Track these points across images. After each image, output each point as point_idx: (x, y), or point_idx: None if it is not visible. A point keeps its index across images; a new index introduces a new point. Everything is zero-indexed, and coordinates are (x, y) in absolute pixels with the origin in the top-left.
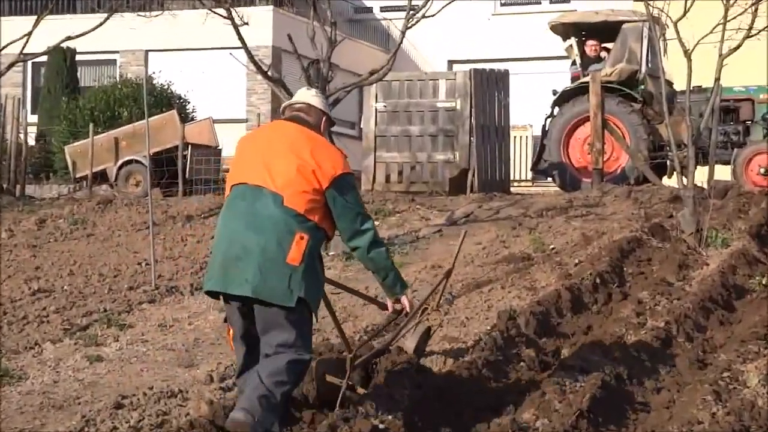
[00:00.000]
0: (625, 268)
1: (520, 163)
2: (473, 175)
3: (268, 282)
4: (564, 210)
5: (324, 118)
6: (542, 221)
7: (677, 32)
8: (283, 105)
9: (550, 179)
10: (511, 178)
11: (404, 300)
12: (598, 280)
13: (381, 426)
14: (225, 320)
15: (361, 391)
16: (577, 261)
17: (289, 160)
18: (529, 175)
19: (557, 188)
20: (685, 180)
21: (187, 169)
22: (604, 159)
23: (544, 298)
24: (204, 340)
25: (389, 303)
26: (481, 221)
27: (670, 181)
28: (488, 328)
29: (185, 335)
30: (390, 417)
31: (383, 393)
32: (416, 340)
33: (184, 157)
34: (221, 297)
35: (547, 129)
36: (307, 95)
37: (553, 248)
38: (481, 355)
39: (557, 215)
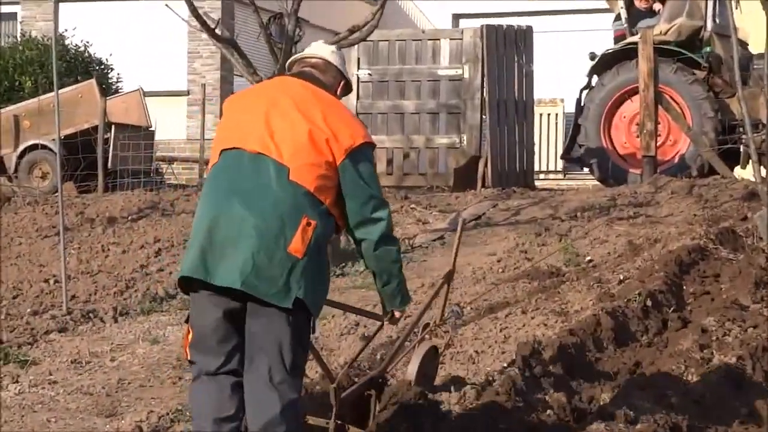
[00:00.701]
0: (684, 287)
1: (548, 148)
2: (485, 165)
3: (261, 274)
4: (605, 210)
5: (342, 83)
6: (576, 225)
7: None
8: (291, 59)
9: (586, 170)
10: (536, 168)
11: (398, 314)
12: (649, 303)
13: None
14: (186, 320)
15: (354, 431)
16: (621, 277)
17: (298, 125)
18: (560, 164)
19: (596, 182)
20: (763, 171)
21: (110, 157)
22: (658, 144)
23: (579, 326)
24: (131, 381)
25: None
26: (495, 225)
27: (744, 173)
28: (504, 365)
29: (106, 375)
30: None
31: None
32: (417, 364)
33: (106, 141)
34: (191, 288)
35: (582, 104)
36: (324, 50)
37: (590, 261)
38: (494, 399)
39: (596, 217)
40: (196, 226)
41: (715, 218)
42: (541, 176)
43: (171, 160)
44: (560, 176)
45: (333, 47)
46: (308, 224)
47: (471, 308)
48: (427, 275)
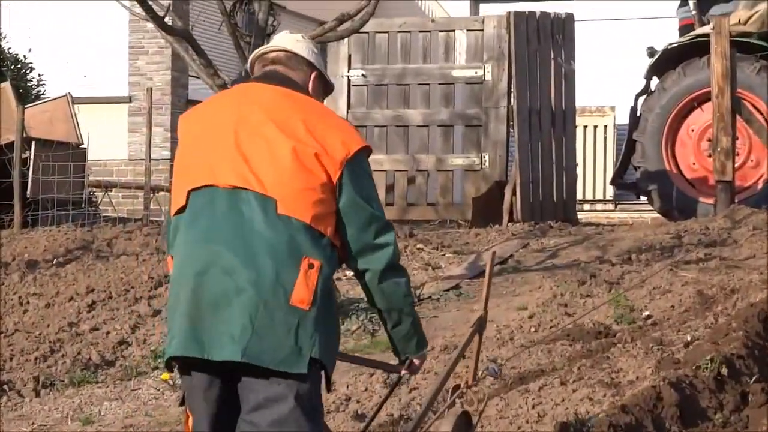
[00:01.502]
0: None
1: (594, 171)
2: (513, 194)
3: (264, 338)
4: (668, 252)
5: (313, 75)
6: (631, 271)
7: None
8: (250, 58)
9: (644, 199)
10: (579, 197)
11: (417, 361)
12: (724, 371)
13: None
14: (182, 402)
15: None
16: (689, 338)
17: (277, 143)
18: (610, 191)
19: (656, 214)
20: None
21: (29, 183)
22: (736, 165)
23: (634, 402)
24: None
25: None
26: (527, 270)
27: None
28: None
29: None
30: None
31: None
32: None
33: (24, 161)
34: (177, 366)
35: (639, 114)
36: (286, 39)
37: (648, 317)
38: None
39: (656, 261)
40: (176, 290)
41: None
42: (586, 207)
43: (108, 187)
44: (610, 207)
45: (299, 35)
46: (311, 266)
47: (494, 379)
48: (438, 335)
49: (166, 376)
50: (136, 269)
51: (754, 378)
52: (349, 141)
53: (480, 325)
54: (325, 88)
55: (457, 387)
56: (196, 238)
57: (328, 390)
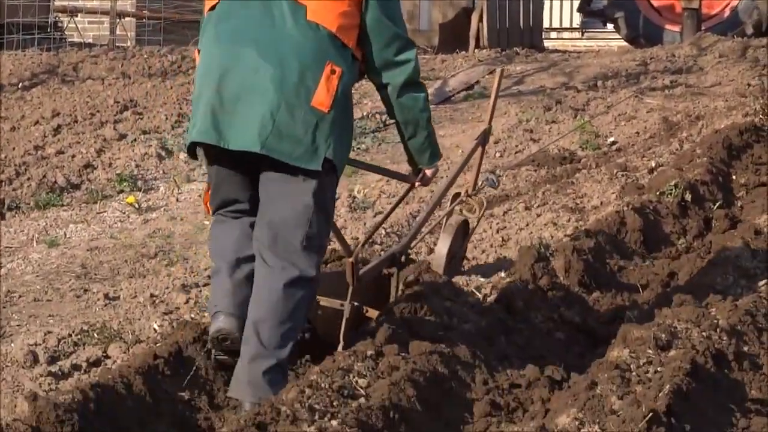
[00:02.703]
0: (734, 176)
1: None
2: (480, 20)
3: (284, 133)
4: (633, 79)
5: None
6: (596, 97)
7: None
8: None
9: (610, 27)
10: (546, 24)
11: (429, 172)
12: (688, 197)
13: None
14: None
15: (372, 314)
16: (653, 164)
17: None
18: (577, 19)
19: (623, 42)
20: None
21: None
22: None
23: (597, 227)
24: (22, 293)
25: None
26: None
27: None
28: (502, 275)
29: None
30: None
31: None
32: (448, 241)
33: None
34: (203, 152)
35: None
36: None
37: (613, 143)
38: (485, 321)
39: (622, 87)
40: (201, 81)
41: None
42: (552, 34)
43: (74, 12)
44: (577, 35)
45: None
46: (333, 72)
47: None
48: (402, 160)
49: (131, 199)
50: (102, 93)
51: (717, 204)
52: None
53: (484, 138)
54: None
55: (457, 195)
56: (226, 35)
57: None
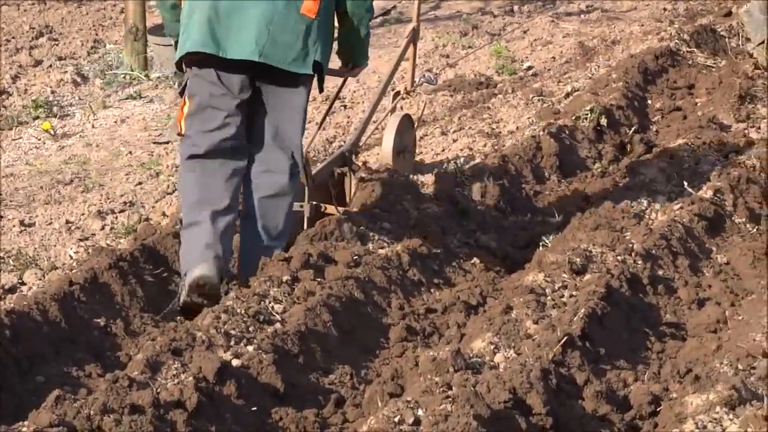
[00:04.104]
0: (649, 101)
1: None
2: None
3: (278, 41)
4: (550, 3)
5: None
6: (512, 22)
7: None
8: None
9: None
10: None
11: (357, 69)
12: (603, 122)
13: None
14: (181, 92)
15: (331, 209)
16: (569, 89)
17: None
18: None
19: None
20: None
21: None
22: None
23: (513, 151)
24: None
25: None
26: (409, 21)
27: None
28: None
29: None
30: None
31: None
32: (392, 138)
33: None
34: (195, 65)
35: None
36: None
37: (529, 68)
38: (407, 244)
39: (538, 12)
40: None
41: (690, 14)
42: None
43: None
44: None
45: None
46: None
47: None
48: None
49: (47, 125)
50: (18, 19)
51: (633, 128)
52: None
53: (413, 36)
54: None
55: (397, 93)
56: None
57: (321, 91)
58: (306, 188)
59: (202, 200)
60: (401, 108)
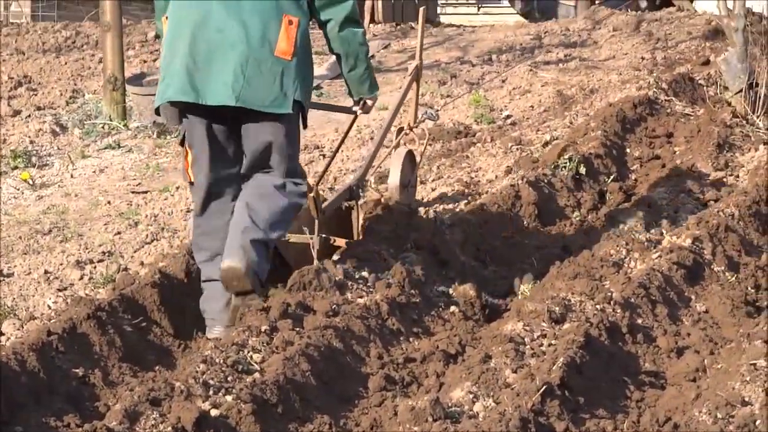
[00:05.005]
0: (628, 150)
1: None
2: None
3: (253, 84)
4: (528, 52)
5: None
6: (491, 71)
7: None
8: None
9: (505, 2)
10: None
11: (370, 102)
12: (582, 170)
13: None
14: (181, 143)
15: (340, 242)
16: (548, 138)
17: None
18: None
19: (517, 17)
20: (730, 2)
21: None
22: None
23: (492, 200)
24: None
25: (357, 108)
26: (387, 71)
27: (707, 4)
28: (391, 250)
29: None
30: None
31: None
32: (398, 173)
33: None
34: (177, 111)
35: None
36: None
37: (508, 117)
38: (385, 293)
39: (516, 61)
40: (172, 43)
41: (669, 62)
42: (449, 10)
43: None
44: (473, 10)
45: None
46: (290, 23)
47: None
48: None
49: (25, 175)
50: None
51: (612, 177)
52: None
53: (416, 74)
54: None
55: (401, 129)
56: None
57: (305, 127)
58: (316, 221)
59: (215, 229)
60: (404, 144)
